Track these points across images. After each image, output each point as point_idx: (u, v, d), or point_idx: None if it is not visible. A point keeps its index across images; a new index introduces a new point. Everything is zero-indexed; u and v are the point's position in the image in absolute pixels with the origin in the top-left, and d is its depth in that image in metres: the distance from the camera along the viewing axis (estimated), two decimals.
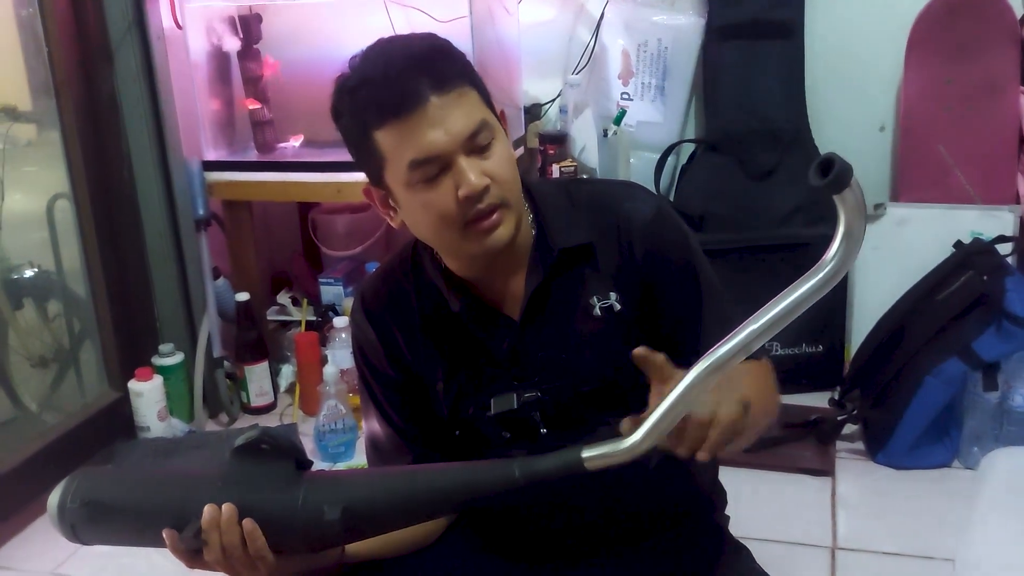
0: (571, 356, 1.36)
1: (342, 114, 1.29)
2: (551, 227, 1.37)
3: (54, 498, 1.25)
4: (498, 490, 1.17)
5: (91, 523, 1.24)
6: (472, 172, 1.23)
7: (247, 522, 1.18)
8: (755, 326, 1.03)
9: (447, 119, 1.22)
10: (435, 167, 1.24)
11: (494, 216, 1.26)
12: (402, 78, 1.23)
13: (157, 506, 1.24)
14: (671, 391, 1.07)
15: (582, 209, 1.39)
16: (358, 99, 1.26)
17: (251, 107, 2.92)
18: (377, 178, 1.31)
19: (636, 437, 1.09)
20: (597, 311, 1.35)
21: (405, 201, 1.29)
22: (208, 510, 1.19)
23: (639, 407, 1.38)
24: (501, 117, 1.35)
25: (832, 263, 1.00)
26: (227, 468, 1.23)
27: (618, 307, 1.35)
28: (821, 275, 1.00)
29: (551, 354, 1.37)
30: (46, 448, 2.62)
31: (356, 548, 1.33)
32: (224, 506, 1.19)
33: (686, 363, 1.15)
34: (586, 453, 1.12)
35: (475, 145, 1.25)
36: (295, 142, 2.99)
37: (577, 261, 1.36)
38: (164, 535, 1.20)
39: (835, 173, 0.94)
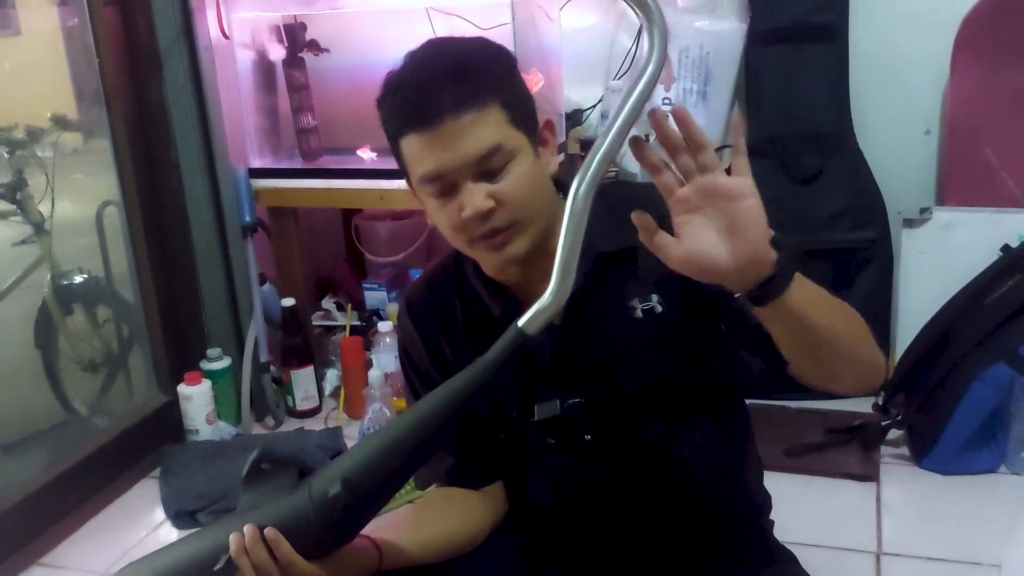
0: (614, 360, 1.37)
1: (381, 114, 1.33)
2: (590, 234, 1.37)
3: None
4: (472, 395, 1.19)
5: None
6: (476, 196, 1.25)
7: (268, 530, 1.21)
8: (608, 139, 1.08)
9: (456, 142, 1.24)
10: (443, 185, 1.27)
11: (499, 237, 1.28)
12: (425, 92, 1.25)
13: (193, 561, 1.27)
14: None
15: (621, 212, 1.39)
16: (388, 105, 1.30)
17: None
18: (407, 179, 1.35)
19: (553, 283, 1.12)
20: (638, 313, 1.35)
21: (425, 205, 1.34)
22: (232, 538, 1.22)
23: (683, 411, 1.39)
24: (547, 127, 1.36)
25: (656, 51, 1.06)
26: (242, 497, 1.27)
27: (659, 309, 1.35)
28: (652, 65, 1.06)
29: (594, 359, 1.37)
30: (97, 451, 2.67)
31: (395, 555, 1.35)
32: (245, 528, 1.22)
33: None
34: (521, 322, 1.14)
35: (485, 169, 1.26)
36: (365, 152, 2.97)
37: (617, 264, 1.36)
38: None
39: None
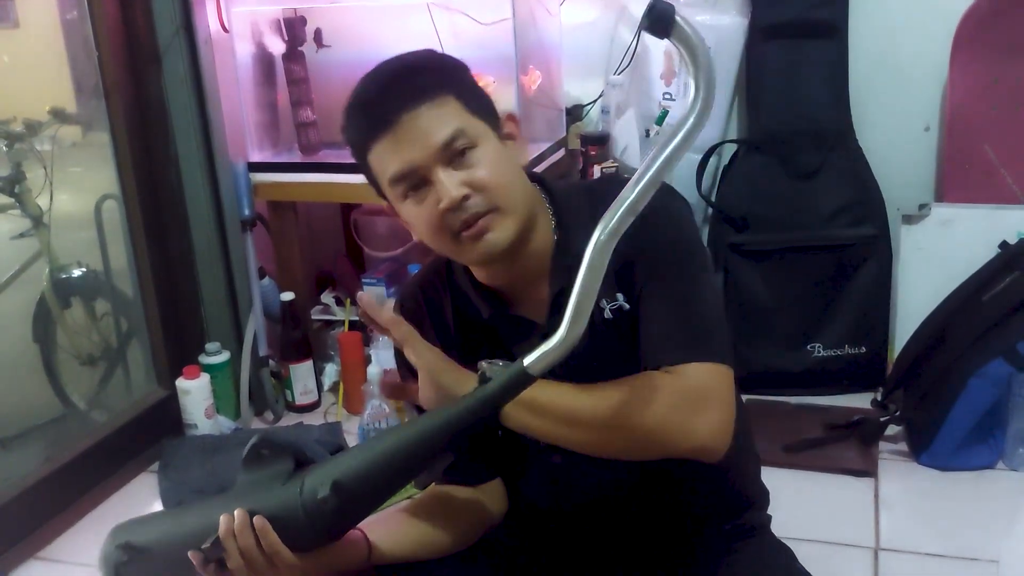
0: (595, 358, 1.35)
1: (347, 139, 1.35)
2: (571, 231, 1.37)
3: (100, 550, 1.33)
4: (465, 425, 1.21)
5: (131, 563, 1.31)
6: (450, 183, 1.26)
7: (257, 519, 1.23)
8: (636, 191, 1.07)
9: (417, 132, 1.25)
10: (415, 180, 1.28)
11: (479, 224, 1.28)
12: (375, 103, 1.27)
13: (184, 533, 1.29)
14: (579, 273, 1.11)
15: (601, 210, 1.38)
16: (349, 127, 1.32)
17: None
18: (382, 196, 1.37)
19: (563, 327, 1.12)
20: (608, 313, 1.35)
21: (403, 214, 1.34)
22: (223, 520, 1.23)
23: None
24: (509, 119, 1.37)
25: (700, 101, 1.03)
26: (238, 480, 1.29)
27: (627, 307, 1.35)
28: (694, 116, 1.03)
29: (577, 358, 1.37)
30: (95, 445, 2.66)
31: (385, 549, 1.35)
32: (235, 512, 1.23)
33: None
34: (527, 361, 1.15)
35: (452, 153, 1.26)
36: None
37: None
38: (190, 556, 1.25)
39: (656, 13, 0.98)
